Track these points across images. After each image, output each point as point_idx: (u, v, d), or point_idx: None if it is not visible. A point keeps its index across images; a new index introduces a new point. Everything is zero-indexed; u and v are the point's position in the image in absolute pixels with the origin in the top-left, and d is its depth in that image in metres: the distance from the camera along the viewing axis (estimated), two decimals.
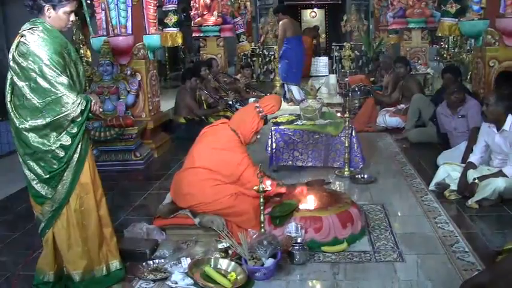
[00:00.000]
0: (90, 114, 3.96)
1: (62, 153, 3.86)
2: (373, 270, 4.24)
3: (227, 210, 4.78)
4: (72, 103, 3.78)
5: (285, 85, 12.79)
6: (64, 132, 3.85)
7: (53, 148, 3.83)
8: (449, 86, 7.32)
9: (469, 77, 11.97)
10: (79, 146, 3.93)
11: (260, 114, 5.05)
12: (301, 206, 4.83)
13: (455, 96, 6.94)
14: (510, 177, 5.44)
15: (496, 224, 5.12)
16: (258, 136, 5.20)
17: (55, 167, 3.87)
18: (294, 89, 12.39)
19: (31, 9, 3.90)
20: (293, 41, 12.39)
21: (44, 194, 3.92)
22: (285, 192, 5.08)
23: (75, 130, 3.87)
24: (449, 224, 5.09)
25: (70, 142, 3.87)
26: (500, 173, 5.49)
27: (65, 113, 3.78)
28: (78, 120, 3.86)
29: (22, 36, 3.79)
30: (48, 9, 3.86)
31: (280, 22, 12.45)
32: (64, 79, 3.77)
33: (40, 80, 3.73)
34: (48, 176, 3.88)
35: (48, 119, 3.77)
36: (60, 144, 3.85)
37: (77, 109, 3.80)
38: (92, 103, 3.93)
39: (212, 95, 10.36)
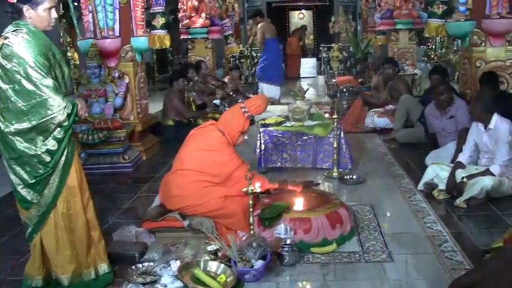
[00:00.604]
0: (76, 118, 3.94)
1: (48, 158, 3.83)
2: (362, 270, 4.25)
3: (216, 212, 4.78)
4: (57, 106, 3.74)
5: (259, 84, 13.67)
6: (50, 137, 3.81)
7: (39, 153, 3.80)
8: (437, 87, 7.35)
9: (456, 77, 12.03)
10: (65, 150, 3.89)
11: (246, 114, 5.04)
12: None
13: (444, 97, 6.96)
14: (497, 175, 5.48)
15: (484, 223, 5.15)
16: (246, 137, 5.19)
17: (41, 171, 3.83)
18: (265, 87, 13.32)
19: (12, 14, 3.85)
20: (271, 43, 13.49)
21: (29, 199, 3.88)
22: (278, 188, 5.09)
23: (61, 135, 3.83)
24: (438, 223, 5.11)
25: (56, 147, 3.83)
26: (487, 172, 5.52)
27: (51, 116, 3.74)
28: (64, 124, 3.82)
29: (6, 39, 3.74)
30: (27, 10, 3.81)
31: (259, 25, 13.52)
32: (49, 81, 3.74)
33: (25, 83, 3.69)
34: (33, 181, 3.85)
35: (33, 122, 3.74)
36: (47, 149, 3.81)
37: (64, 112, 3.77)
38: (78, 107, 3.90)
39: (200, 97, 10.35)
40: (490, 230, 4.95)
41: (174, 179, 4.94)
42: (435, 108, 7.19)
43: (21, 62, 3.68)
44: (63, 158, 3.88)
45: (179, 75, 9.79)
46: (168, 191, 4.96)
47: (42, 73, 3.71)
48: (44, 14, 3.87)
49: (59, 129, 3.81)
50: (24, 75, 3.68)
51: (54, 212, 3.93)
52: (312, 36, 26.46)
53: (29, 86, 3.69)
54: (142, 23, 8.34)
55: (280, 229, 4.51)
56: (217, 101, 10.66)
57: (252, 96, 12.98)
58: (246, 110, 5.05)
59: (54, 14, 3.95)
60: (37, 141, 3.79)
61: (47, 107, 3.73)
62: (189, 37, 13.19)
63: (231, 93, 11.76)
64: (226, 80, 12.87)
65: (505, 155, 5.51)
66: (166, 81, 12.36)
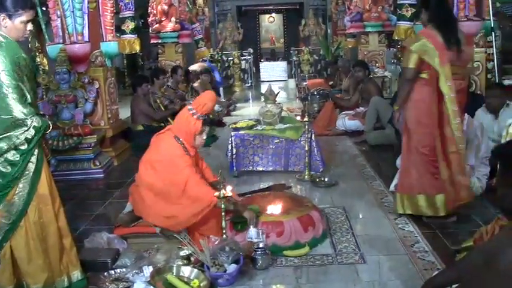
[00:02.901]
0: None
1: (8, 169, 3.78)
2: (335, 272, 4.26)
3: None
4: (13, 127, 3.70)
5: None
6: (13, 149, 3.75)
7: None
8: None
9: None
10: (32, 158, 3.83)
11: (194, 116, 4.82)
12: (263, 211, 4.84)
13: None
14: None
15: (454, 223, 5.18)
16: (204, 137, 4.92)
17: None
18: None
19: None
20: (213, 68, 15.84)
21: None
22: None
23: (15, 158, 3.77)
24: (409, 224, 5.15)
25: (9, 170, 3.77)
26: None
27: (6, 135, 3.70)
28: (22, 148, 3.76)
29: None
30: (3, 19, 3.76)
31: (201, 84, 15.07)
32: (15, 95, 3.69)
33: None
34: None
35: None
36: (6, 158, 3.76)
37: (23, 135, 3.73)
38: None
39: (166, 96, 10.32)
40: (461, 230, 5.00)
41: (137, 192, 4.88)
42: None
43: None
44: (32, 165, 3.83)
45: (142, 81, 9.73)
46: (136, 203, 4.90)
47: (13, 83, 3.67)
48: (20, 26, 3.83)
49: (13, 151, 3.75)
50: None
51: (25, 221, 3.86)
52: (282, 40, 26.57)
53: None
54: (112, 28, 8.30)
55: (252, 233, 4.50)
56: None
57: (223, 100, 13.01)
58: (194, 111, 4.84)
59: (29, 26, 3.91)
60: None
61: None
62: (159, 41, 13.18)
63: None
64: (197, 84, 12.82)
65: (473, 156, 5.57)
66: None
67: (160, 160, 4.76)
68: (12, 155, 3.75)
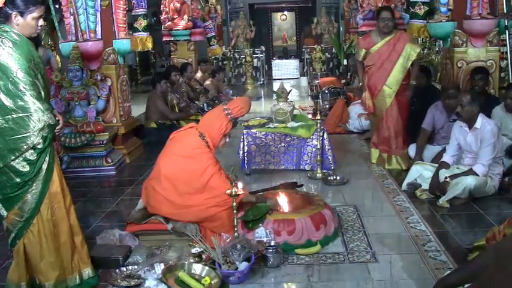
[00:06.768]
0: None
1: (17, 179, 3.79)
2: (346, 271, 4.25)
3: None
4: (33, 126, 3.72)
5: None
6: (21, 157, 3.75)
7: (7, 171, 3.76)
8: (420, 85, 7.39)
9: (438, 77, 12.09)
10: (47, 156, 3.85)
11: (228, 116, 4.89)
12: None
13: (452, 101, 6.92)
14: (480, 175, 5.51)
15: (467, 222, 5.18)
16: (227, 139, 5.02)
17: (8, 190, 3.79)
18: None
19: None
20: None
21: None
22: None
23: (34, 157, 3.79)
24: (421, 223, 5.13)
25: (27, 169, 3.79)
26: (470, 172, 5.55)
27: (25, 135, 3.72)
28: (39, 147, 3.78)
29: None
30: (15, 17, 3.76)
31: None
32: (32, 92, 3.70)
33: (3, 97, 3.66)
34: (1, 197, 3.83)
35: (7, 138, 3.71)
36: (25, 157, 3.77)
37: (39, 134, 3.74)
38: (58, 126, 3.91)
39: (184, 99, 10.32)
40: (473, 229, 4.98)
41: (153, 187, 4.86)
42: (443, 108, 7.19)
43: (3, 76, 3.64)
44: (45, 165, 3.85)
45: (161, 78, 9.76)
46: (149, 199, 4.90)
47: (27, 85, 3.68)
48: (32, 22, 3.83)
49: (31, 151, 3.78)
50: (4, 90, 3.65)
51: (38, 219, 3.88)
52: (294, 38, 26.54)
53: (7, 102, 3.67)
54: (124, 25, 8.31)
55: (260, 233, 4.49)
56: (204, 104, 10.61)
57: (234, 97, 12.99)
58: (229, 112, 4.90)
59: (41, 22, 3.91)
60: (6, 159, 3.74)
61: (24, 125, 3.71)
62: (172, 39, 13.18)
63: (213, 98, 11.69)
64: (208, 82, 12.82)
65: (489, 155, 5.54)
66: (149, 84, 12.32)
67: (183, 155, 4.78)
68: (30, 154, 3.77)
